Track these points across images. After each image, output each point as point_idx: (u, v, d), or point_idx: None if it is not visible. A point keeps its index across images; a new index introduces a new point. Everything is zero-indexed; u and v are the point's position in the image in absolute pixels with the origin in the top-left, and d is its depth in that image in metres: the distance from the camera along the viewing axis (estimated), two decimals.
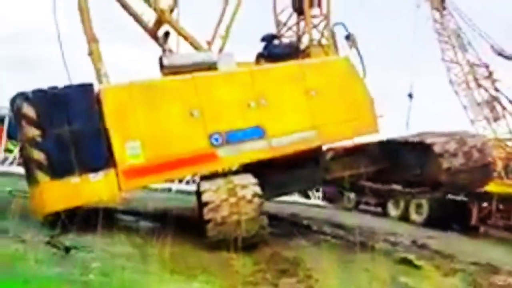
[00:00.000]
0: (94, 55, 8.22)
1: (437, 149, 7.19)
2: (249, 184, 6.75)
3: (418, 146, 7.72)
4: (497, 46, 21.58)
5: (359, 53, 8.95)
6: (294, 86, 7.98)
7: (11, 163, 13.53)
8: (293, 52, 8.75)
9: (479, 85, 22.41)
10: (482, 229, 14.41)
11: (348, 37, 9.15)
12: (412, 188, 8.91)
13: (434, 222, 14.46)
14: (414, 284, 5.37)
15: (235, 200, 6.50)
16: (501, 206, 13.95)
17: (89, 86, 6.84)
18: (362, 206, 17.95)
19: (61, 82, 7.92)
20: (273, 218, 11.05)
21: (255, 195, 6.61)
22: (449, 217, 14.65)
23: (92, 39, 8.20)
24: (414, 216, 15.19)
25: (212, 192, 6.60)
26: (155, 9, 8.81)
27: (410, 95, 25.96)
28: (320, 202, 17.87)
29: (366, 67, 8.82)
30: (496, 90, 22.27)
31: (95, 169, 6.55)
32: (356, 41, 8.98)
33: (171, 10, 8.90)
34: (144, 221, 8.51)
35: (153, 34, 9.32)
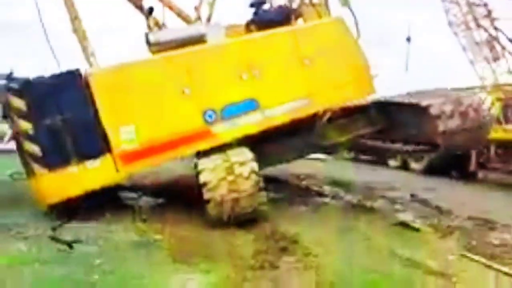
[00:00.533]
0: (78, 33, 8.02)
1: (433, 111, 7.14)
2: (246, 161, 6.77)
3: (415, 108, 7.66)
4: None
5: (352, 12, 8.67)
6: (286, 53, 7.80)
7: (9, 139, 13.56)
8: (284, 17, 8.44)
9: (478, 25, 21.83)
10: (480, 174, 14.58)
11: None
12: (409, 146, 8.96)
13: (434, 169, 14.62)
14: (411, 255, 5.50)
15: (233, 178, 6.56)
16: (499, 151, 14.03)
17: (77, 72, 6.70)
18: (361, 157, 18.04)
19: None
20: (274, 181, 11.27)
21: (252, 171, 6.66)
22: (448, 164, 14.76)
23: (74, 17, 7.95)
24: (413, 165, 15.35)
25: (210, 171, 6.64)
26: None
27: (408, 39, 25.46)
28: (320, 155, 17.97)
29: (359, 26, 8.62)
30: (496, 29, 21.73)
31: (92, 156, 6.58)
32: (349, 0, 8.66)
33: None
34: (147, 197, 8.67)
35: (138, 5, 9.03)
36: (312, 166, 14.85)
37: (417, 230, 6.96)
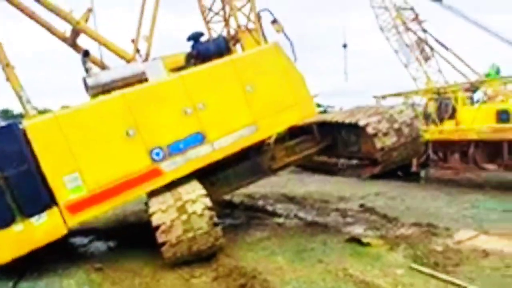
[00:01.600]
0: (11, 81, 7.76)
1: (370, 130, 7.54)
2: (198, 197, 6.80)
3: (354, 127, 8.04)
4: None
5: (287, 37, 9.00)
6: (228, 83, 7.92)
7: None
8: (223, 47, 8.59)
9: (407, 28, 23.20)
10: (422, 173, 15.45)
11: (274, 22, 9.14)
12: (353, 161, 9.38)
13: (381, 172, 15.26)
14: (362, 275, 5.78)
15: (186, 217, 6.58)
16: (437, 151, 14.94)
17: (13, 126, 6.48)
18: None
19: None
20: (229, 205, 11.36)
21: (205, 208, 6.70)
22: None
23: (6, 64, 7.68)
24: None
25: (162, 212, 6.61)
26: (69, 21, 8.32)
27: (345, 46, 26.55)
28: None
29: (295, 49, 8.96)
30: (424, 31, 23.20)
31: (37, 212, 6.37)
32: (282, 26, 8.98)
33: (87, 19, 8.43)
34: (98, 241, 8.47)
35: (71, 44, 8.86)
36: (266, 182, 15.04)
37: (368, 244, 7.29)
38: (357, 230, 8.41)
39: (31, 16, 8.36)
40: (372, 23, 23.64)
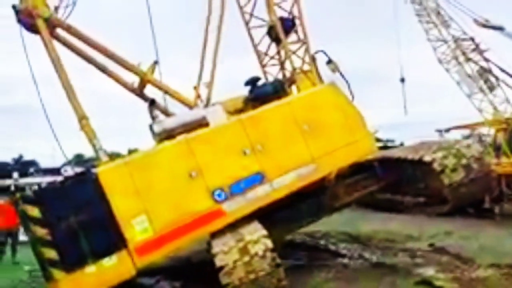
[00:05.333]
0: (86, 131, 8.31)
1: (437, 166, 7.24)
2: (259, 238, 6.83)
3: (418, 163, 7.77)
4: (480, 18, 21.54)
5: (343, 77, 9.04)
6: (286, 124, 8.05)
7: None
8: (279, 89, 8.79)
9: (468, 59, 22.40)
10: (496, 209, 14.38)
11: (329, 62, 9.25)
12: (420, 198, 8.99)
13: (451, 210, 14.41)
14: None
15: (249, 258, 6.59)
16: (511, 185, 13.92)
17: (87, 172, 6.96)
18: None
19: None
20: (291, 245, 11.18)
21: (267, 249, 6.68)
22: None
23: (82, 117, 8.27)
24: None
25: (224, 254, 6.68)
26: (136, 73, 8.94)
27: (402, 80, 26.04)
28: None
29: (351, 86, 8.95)
30: (486, 60, 22.26)
31: (108, 253, 6.67)
32: (338, 66, 9.06)
33: (153, 70, 9.03)
34: (165, 281, 8.64)
35: (139, 93, 9.46)
36: (326, 219, 14.69)
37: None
38: (428, 271, 7.93)
39: (104, 70, 9.09)
40: (430, 54, 23.04)
